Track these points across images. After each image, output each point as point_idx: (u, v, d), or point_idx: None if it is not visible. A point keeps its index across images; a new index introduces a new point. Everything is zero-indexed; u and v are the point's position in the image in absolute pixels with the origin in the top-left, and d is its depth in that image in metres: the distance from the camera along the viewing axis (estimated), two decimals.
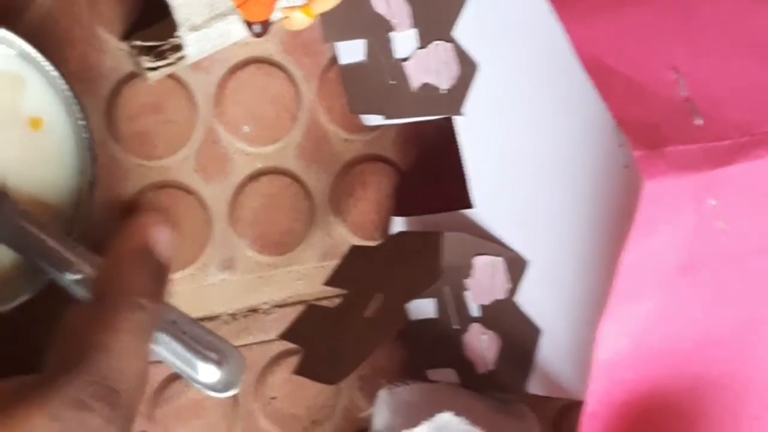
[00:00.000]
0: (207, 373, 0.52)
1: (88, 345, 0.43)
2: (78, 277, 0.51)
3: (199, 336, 0.51)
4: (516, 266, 0.59)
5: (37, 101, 0.53)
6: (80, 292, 0.51)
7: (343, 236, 0.64)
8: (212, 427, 0.62)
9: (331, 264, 0.63)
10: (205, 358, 0.51)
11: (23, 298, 0.52)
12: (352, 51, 0.59)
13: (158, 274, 0.46)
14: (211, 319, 0.62)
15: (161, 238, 0.46)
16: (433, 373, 0.63)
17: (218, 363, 0.52)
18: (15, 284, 0.53)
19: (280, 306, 0.63)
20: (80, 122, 0.53)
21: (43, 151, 0.53)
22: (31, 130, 0.53)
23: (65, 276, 0.50)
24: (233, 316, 0.62)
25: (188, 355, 0.50)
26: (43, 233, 0.51)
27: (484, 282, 0.59)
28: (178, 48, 0.55)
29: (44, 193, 0.53)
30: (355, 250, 0.61)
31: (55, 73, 0.52)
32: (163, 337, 0.52)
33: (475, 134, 0.58)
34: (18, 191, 0.53)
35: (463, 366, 0.61)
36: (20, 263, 0.53)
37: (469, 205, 0.59)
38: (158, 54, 0.55)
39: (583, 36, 0.53)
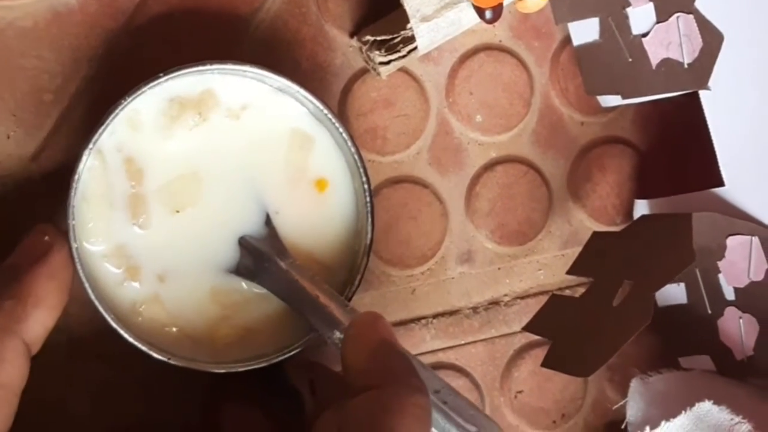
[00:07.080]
0: None
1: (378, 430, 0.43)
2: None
3: (459, 407, 0.49)
4: None
5: (323, 162, 0.54)
6: None
7: (583, 223, 0.62)
8: None
9: (572, 252, 0.61)
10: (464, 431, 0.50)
11: (292, 352, 0.53)
12: (585, 31, 0.57)
13: (407, 359, 0.46)
14: (451, 313, 0.61)
15: (388, 329, 0.47)
16: (687, 361, 0.60)
17: None
18: (284, 337, 0.53)
19: (522, 297, 0.62)
20: (364, 185, 0.53)
21: (325, 211, 0.54)
22: (316, 190, 0.54)
23: (333, 334, 0.50)
24: (474, 309, 0.61)
25: (447, 425, 0.49)
26: (317, 290, 0.51)
27: (738, 263, 0.56)
28: (409, 40, 0.54)
29: (321, 252, 0.54)
30: (598, 236, 0.59)
31: (344, 135, 0.53)
32: None
33: (722, 109, 0.55)
34: (297, 247, 0.53)
35: (719, 352, 0.58)
36: (291, 317, 0.53)
37: (718, 184, 0.56)
38: (390, 48, 0.55)
39: None
